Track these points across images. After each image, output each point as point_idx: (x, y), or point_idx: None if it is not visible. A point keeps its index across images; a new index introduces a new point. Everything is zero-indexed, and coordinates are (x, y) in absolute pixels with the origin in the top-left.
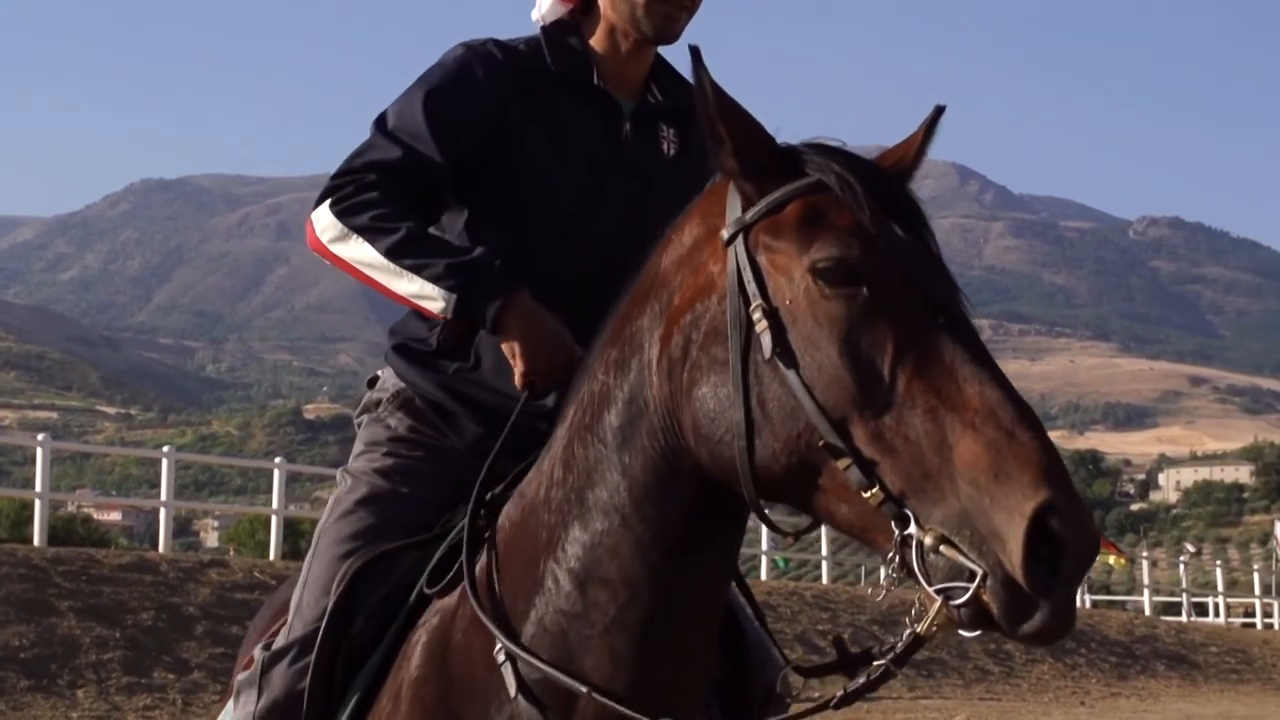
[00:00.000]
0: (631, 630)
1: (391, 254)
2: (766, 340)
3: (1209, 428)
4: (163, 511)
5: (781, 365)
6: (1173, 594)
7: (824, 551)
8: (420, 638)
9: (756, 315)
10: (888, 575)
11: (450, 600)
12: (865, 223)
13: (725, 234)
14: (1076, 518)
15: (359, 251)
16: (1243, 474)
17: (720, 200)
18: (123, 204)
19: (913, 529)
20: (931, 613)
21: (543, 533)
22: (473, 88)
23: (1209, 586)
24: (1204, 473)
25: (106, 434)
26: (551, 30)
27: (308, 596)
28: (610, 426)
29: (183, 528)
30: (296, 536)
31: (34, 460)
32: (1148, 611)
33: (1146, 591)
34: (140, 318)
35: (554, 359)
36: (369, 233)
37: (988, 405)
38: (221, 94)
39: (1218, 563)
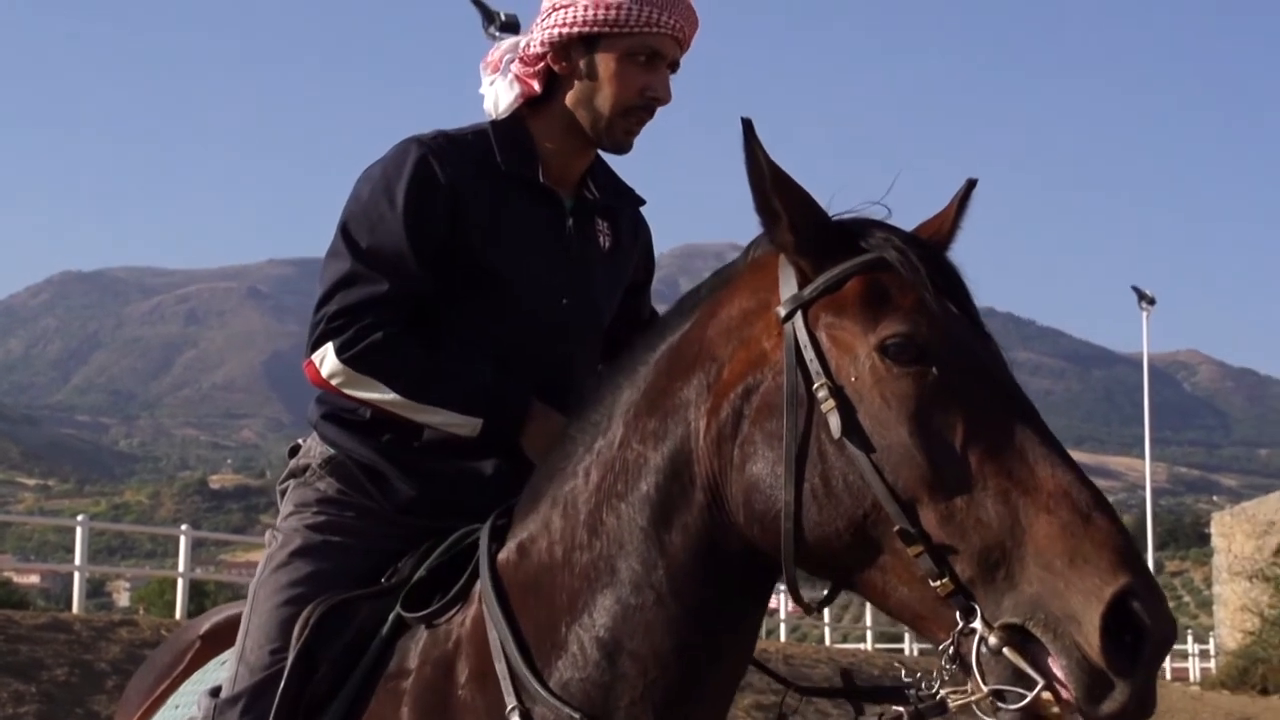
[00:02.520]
0: (658, 705)
1: (411, 394)
2: (835, 420)
3: None
4: (76, 575)
5: (851, 445)
6: None
7: None
8: (408, 690)
9: (821, 393)
10: (942, 665)
11: (443, 651)
12: (929, 302)
13: (782, 310)
14: (1157, 603)
15: (375, 394)
16: None
17: (769, 274)
18: (43, 294)
19: (977, 623)
20: (975, 698)
21: (562, 595)
22: (437, 191)
23: None
24: None
25: (26, 504)
26: (501, 128)
27: (251, 645)
28: (648, 499)
29: (96, 589)
30: (201, 597)
31: None
32: None
33: None
34: (59, 397)
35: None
36: (385, 376)
37: (1061, 488)
38: (137, 193)
39: None
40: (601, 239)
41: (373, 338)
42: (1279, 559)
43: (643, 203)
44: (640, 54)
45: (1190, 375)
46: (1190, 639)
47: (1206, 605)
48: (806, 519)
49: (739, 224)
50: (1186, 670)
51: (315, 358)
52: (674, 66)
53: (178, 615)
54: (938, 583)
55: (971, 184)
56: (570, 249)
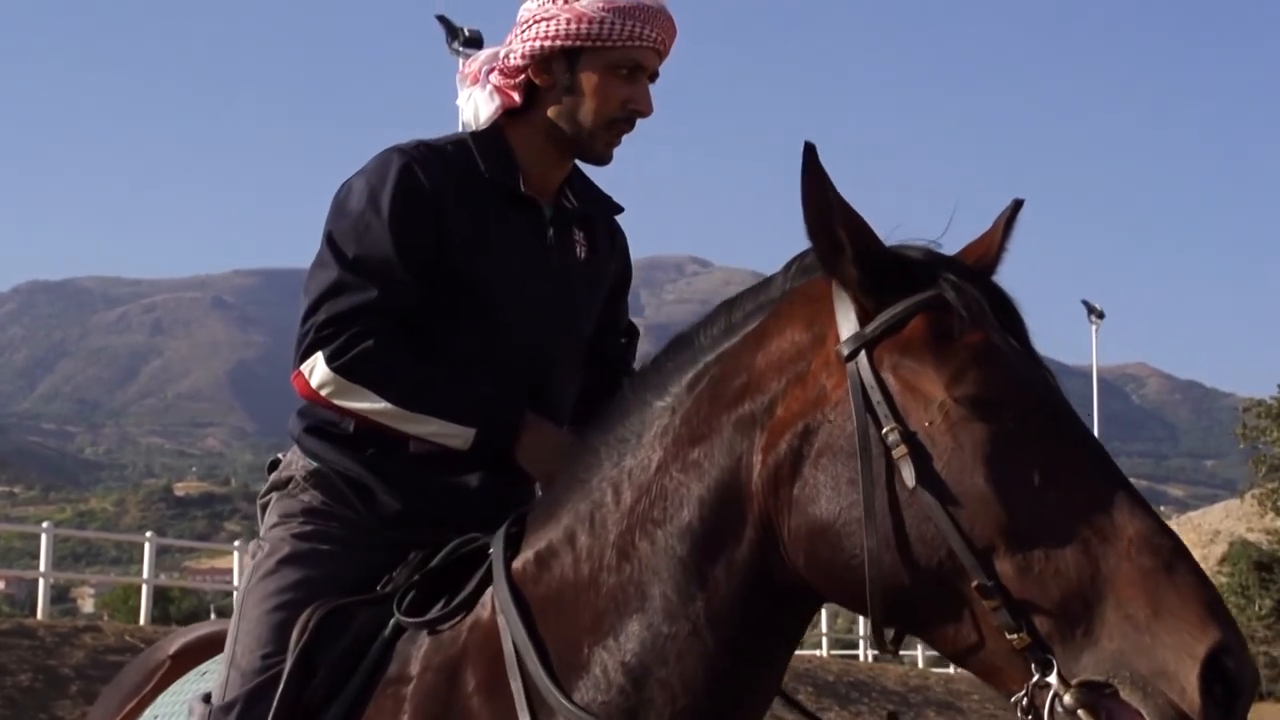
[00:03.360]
0: None
1: (404, 402)
2: (908, 468)
3: None
4: (41, 581)
5: (926, 493)
6: None
7: None
8: (409, 696)
9: (892, 438)
10: (1019, 718)
11: (446, 657)
12: (998, 342)
13: (844, 349)
14: (1244, 654)
15: (367, 403)
16: None
17: (822, 305)
18: (10, 304)
19: (1053, 679)
20: None
21: (586, 615)
22: (421, 199)
23: None
24: None
25: None
26: (482, 137)
27: (242, 651)
28: (689, 530)
29: (61, 595)
30: (166, 603)
31: None
32: (920, 664)
33: (920, 646)
34: (25, 405)
35: (565, 460)
36: (377, 385)
37: (1141, 534)
38: (104, 203)
39: None
40: (578, 249)
41: (364, 345)
42: (1224, 568)
43: (620, 210)
44: (623, 67)
45: (1139, 388)
46: None
47: None
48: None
49: (698, 237)
50: None
51: (304, 368)
52: (653, 77)
53: (142, 621)
54: (1014, 636)
55: (1018, 205)
56: (552, 258)
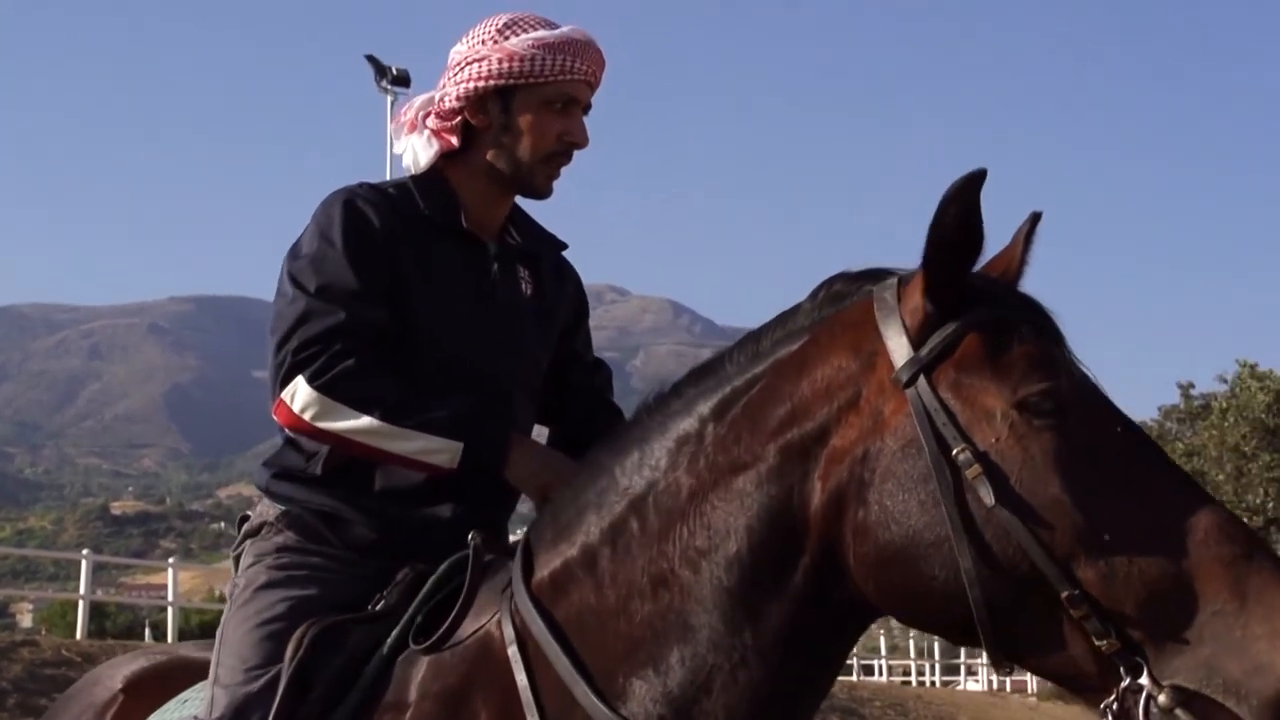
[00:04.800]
0: None
1: (390, 418)
2: (985, 487)
3: None
4: None
5: (1005, 510)
6: None
7: None
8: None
9: (963, 458)
10: None
11: (445, 685)
12: (1053, 350)
13: (903, 375)
14: None
15: (352, 422)
16: None
17: (865, 331)
18: None
19: (1144, 680)
20: None
21: (619, 643)
22: (372, 232)
23: (874, 651)
24: None
25: None
26: (423, 179)
27: (225, 671)
28: (737, 560)
29: (0, 610)
30: (102, 618)
31: None
32: None
33: None
34: None
35: (557, 476)
36: (361, 403)
37: (1215, 525)
38: (43, 230)
39: (881, 631)
40: (524, 285)
41: (345, 364)
42: None
43: (564, 246)
44: (556, 102)
45: None
46: None
47: None
48: (952, 589)
49: (615, 267)
50: (1025, 682)
51: (285, 394)
52: (586, 109)
53: (78, 636)
54: (1103, 642)
55: (1036, 217)
56: (496, 295)
